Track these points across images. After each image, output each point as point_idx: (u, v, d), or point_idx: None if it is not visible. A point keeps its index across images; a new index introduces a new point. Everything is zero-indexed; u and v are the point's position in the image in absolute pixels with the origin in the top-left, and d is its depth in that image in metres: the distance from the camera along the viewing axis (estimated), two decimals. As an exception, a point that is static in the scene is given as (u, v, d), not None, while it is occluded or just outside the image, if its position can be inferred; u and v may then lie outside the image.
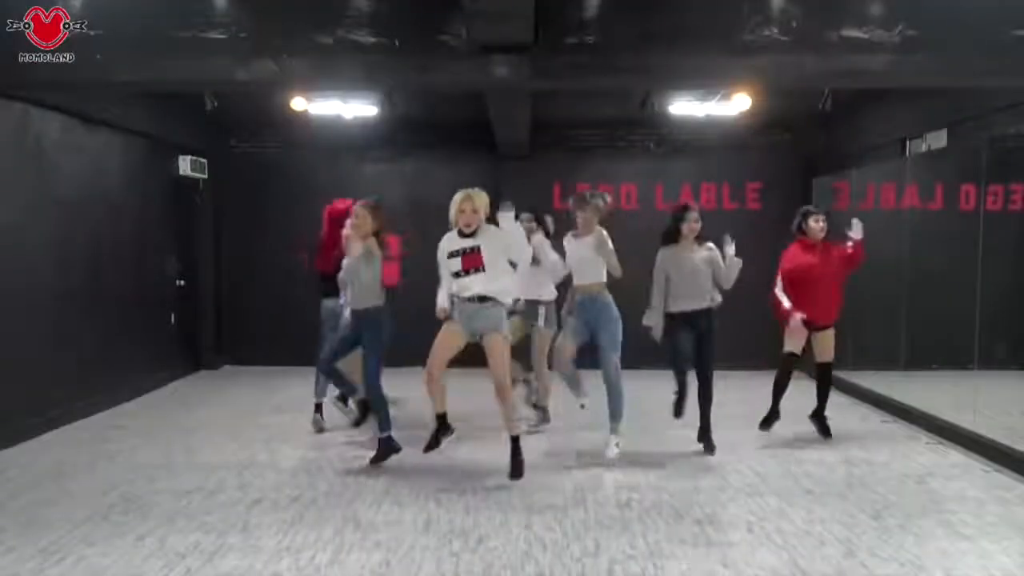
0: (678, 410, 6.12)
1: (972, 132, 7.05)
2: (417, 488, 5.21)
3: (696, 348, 5.98)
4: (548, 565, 3.98)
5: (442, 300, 5.58)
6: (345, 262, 5.82)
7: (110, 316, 7.65)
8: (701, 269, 5.94)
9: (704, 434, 6.11)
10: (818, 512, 4.78)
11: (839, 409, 7.66)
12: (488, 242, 5.20)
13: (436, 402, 5.44)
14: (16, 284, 6.33)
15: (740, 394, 8.28)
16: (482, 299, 5.21)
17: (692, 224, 5.95)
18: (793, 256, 6.35)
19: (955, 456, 6.08)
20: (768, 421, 6.50)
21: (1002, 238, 6.86)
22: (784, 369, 6.44)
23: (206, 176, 9.56)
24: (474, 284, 5.20)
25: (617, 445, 5.87)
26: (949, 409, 6.73)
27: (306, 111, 8.95)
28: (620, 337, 5.86)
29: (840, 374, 8.57)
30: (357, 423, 6.39)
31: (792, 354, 6.41)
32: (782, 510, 4.82)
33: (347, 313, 5.95)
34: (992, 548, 4.24)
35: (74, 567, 3.94)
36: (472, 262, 5.17)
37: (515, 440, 5.41)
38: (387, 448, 5.69)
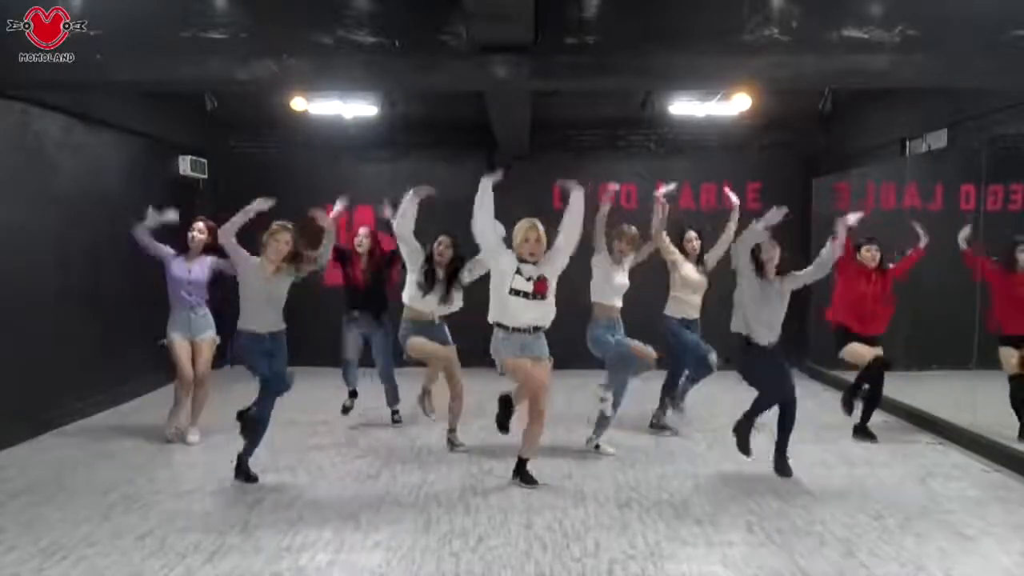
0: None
1: (972, 132, 7.05)
2: (417, 488, 5.21)
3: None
4: (548, 565, 3.98)
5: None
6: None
7: (110, 316, 7.65)
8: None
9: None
10: (818, 512, 4.78)
11: (840, 410, 7.66)
12: (550, 269, 5.13)
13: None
14: (16, 284, 6.33)
15: (736, 394, 8.29)
16: (536, 329, 5.17)
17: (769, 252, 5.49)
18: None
19: (955, 456, 6.09)
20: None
21: (1002, 238, 6.84)
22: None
23: (206, 176, 9.56)
24: (536, 311, 5.11)
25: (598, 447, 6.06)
26: (949, 409, 6.73)
27: (306, 111, 8.95)
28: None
29: (840, 374, 8.58)
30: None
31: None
32: (782, 510, 4.82)
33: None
34: (992, 548, 4.25)
35: (74, 567, 3.95)
36: (541, 288, 5.08)
37: (524, 463, 5.33)
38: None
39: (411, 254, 6.07)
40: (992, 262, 6.46)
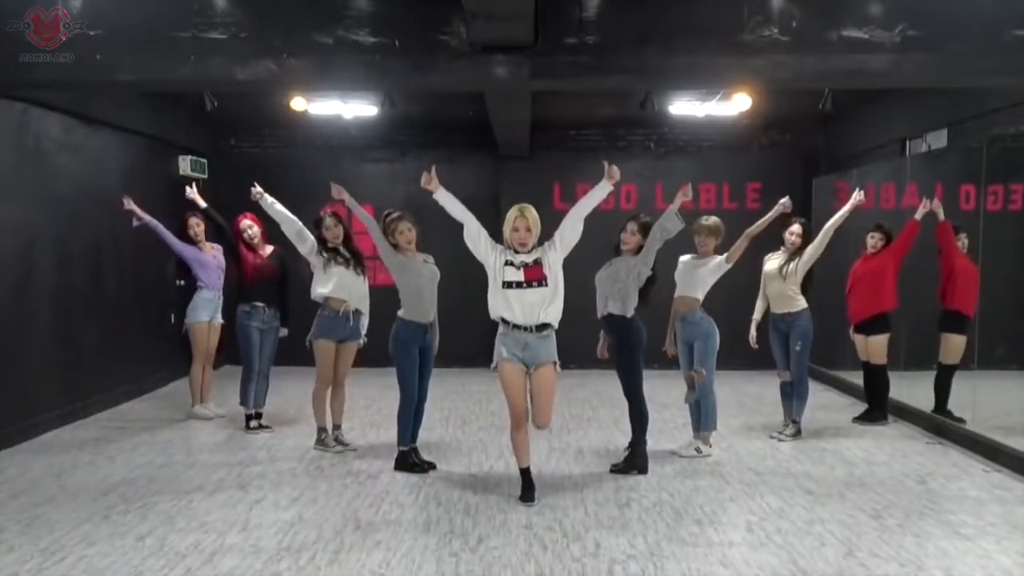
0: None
1: (972, 132, 7.05)
2: (417, 488, 5.21)
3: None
4: (548, 565, 3.98)
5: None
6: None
7: (110, 316, 7.65)
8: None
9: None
10: (818, 512, 4.78)
11: (840, 409, 7.69)
12: (547, 255, 4.82)
13: (521, 455, 4.98)
14: (16, 284, 6.33)
15: (737, 394, 8.29)
16: (539, 328, 4.81)
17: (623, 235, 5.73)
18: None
19: (955, 456, 6.09)
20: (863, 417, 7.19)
21: (1002, 238, 6.85)
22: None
23: (206, 176, 9.56)
24: (536, 303, 4.77)
25: (698, 450, 5.97)
26: (949, 409, 6.73)
27: (306, 111, 8.96)
28: (714, 349, 5.89)
29: (840, 374, 8.60)
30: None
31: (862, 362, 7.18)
32: (782, 510, 4.82)
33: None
34: (992, 548, 4.25)
35: (74, 567, 3.95)
36: (534, 274, 4.75)
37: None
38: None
39: (306, 248, 6.16)
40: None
